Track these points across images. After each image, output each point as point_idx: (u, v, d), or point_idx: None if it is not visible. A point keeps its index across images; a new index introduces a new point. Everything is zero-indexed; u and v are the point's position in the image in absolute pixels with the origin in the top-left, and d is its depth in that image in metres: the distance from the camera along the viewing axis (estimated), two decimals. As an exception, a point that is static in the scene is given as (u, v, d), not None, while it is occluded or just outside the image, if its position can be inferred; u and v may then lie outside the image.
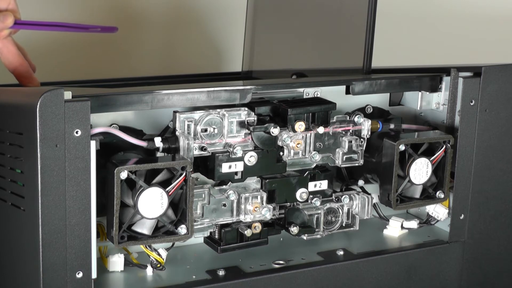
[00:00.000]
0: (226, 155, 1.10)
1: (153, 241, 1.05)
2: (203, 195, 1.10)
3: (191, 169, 1.04)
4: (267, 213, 1.13)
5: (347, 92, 1.19)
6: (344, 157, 1.17)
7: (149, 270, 1.11)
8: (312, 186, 1.17)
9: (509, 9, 2.05)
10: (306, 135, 1.15)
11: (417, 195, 1.21)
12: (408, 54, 1.90)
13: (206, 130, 1.09)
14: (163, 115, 1.11)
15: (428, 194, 1.22)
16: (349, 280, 1.17)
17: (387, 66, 1.34)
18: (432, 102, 1.25)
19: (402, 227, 1.27)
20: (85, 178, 0.98)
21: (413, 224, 1.27)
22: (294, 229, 1.16)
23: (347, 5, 1.32)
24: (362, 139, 1.18)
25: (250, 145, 1.12)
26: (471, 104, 1.21)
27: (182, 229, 1.05)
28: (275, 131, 1.11)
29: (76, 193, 0.98)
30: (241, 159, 1.11)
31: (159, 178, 1.04)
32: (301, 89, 1.18)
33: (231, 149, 1.10)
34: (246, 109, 1.11)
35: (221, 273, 1.11)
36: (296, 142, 1.13)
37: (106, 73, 1.61)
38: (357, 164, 1.19)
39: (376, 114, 1.26)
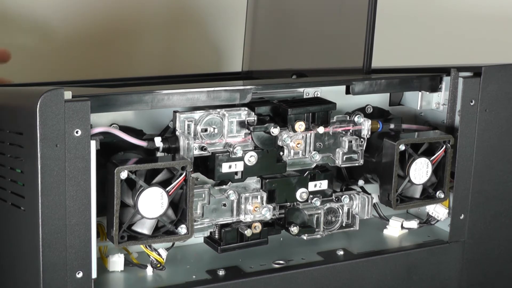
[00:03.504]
0: (226, 155, 1.10)
1: (153, 241, 1.05)
2: (203, 195, 1.10)
3: (191, 169, 1.04)
4: (267, 213, 1.13)
5: (347, 92, 1.19)
6: (344, 157, 1.17)
7: (149, 270, 1.11)
8: (312, 186, 1.17)
9: (509, 9, 2.05)
10: (306, 135, 1.15)
11: (417, 195, 1.21)
12: (408, 54, 1.90)
13: (206, 130, 1.09)
14: (163, 115, 1.11)
15: (428, 194, 1.22)
16: (349, 280, 1.17)
17: (387, 66, 1.34)
18: (432, 102, 1.25)
19: (402, 227, 1.27)
20: (85, 178, 0.98)
21: (413, 224, 1.27)
22: (294, 229, 1.16)
23: (347, 5, 1.32)
24: (362, 139, 1.18)
25: (250, 145, 1.12)
26: (471, 104, 1.21)
27: (182, 229, 1.05)
28: (275, 131, 1.11)
29: (76, 193, 0.98)
30: (241, 159, 1.11)
31: (159, 178, 1.04)
32: (301, 89, 1.18)
33: (231, 149, 1.10)
34: (246, 109, 1.11)
35: (221, 273, 1.11)
36: (296, 142, 1.13)
37: (106, 73, 1.61)
38: (357, 164, 1.19)
39: (376, 114, 1.26)
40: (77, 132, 0.97)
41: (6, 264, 1.07)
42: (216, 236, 1.14)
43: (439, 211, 1.25)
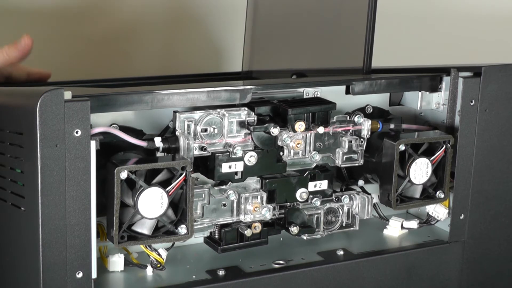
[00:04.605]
0: (226, 155, 1.10)
1: (153, 241, 1.05)
2: (203, 195, 1.10)
3: (191, 169, 1.04)
4: (267, 213, 1.13)
5: (347, 92, 1.18)
6: (344, 157, 1.17)
7: (149, 270, 1.11)
8: (312, 186, 1.17)
9: (509, 9, 2.05)
10: (306, 135, 1.15)
11: (417, 195, 1.21)
12: (408, 54, 1.90)
13: (206, 130, 1.09)
14: (163, 115, 1.11)
15: (428, 194, 1.22)
16: (349, 280, 1.17)
17: (387, 66, 1.34)
18: (432, 102, 1.25)
19: (402, 227, 1.27)
20: (85, 178, 0.98)
21: (413, 224, 1.27)
22: (294, 229, 1.16)
23: (347, 5, 1.32)
24: (362, 139, 1.18)
25: (250, 145, 1.12)
26: (471, 104, 1.21)
27: (182, 229, 1.05)
28: (275, 131, 1.11)
29: (76, 193, 0.98)
30: (241, 159, 1.11)
31: (159, 178, 1.04)
32: (301, 89, 1.18)
33: (231, 149, 1.10)
34: (246, 109, 1.11)
35: (221, 273, 1.11)
36: (296, 142, 1.13)
37: (106, 73, 1.61)
38: (357, 164, 1.19)
39: (376, 114, 1.26)
40: (77, 132, 0.97)
41: (6, 264, 1.07)
42: (216, 236, 1.14)
43: (439, 211, 1.25)
